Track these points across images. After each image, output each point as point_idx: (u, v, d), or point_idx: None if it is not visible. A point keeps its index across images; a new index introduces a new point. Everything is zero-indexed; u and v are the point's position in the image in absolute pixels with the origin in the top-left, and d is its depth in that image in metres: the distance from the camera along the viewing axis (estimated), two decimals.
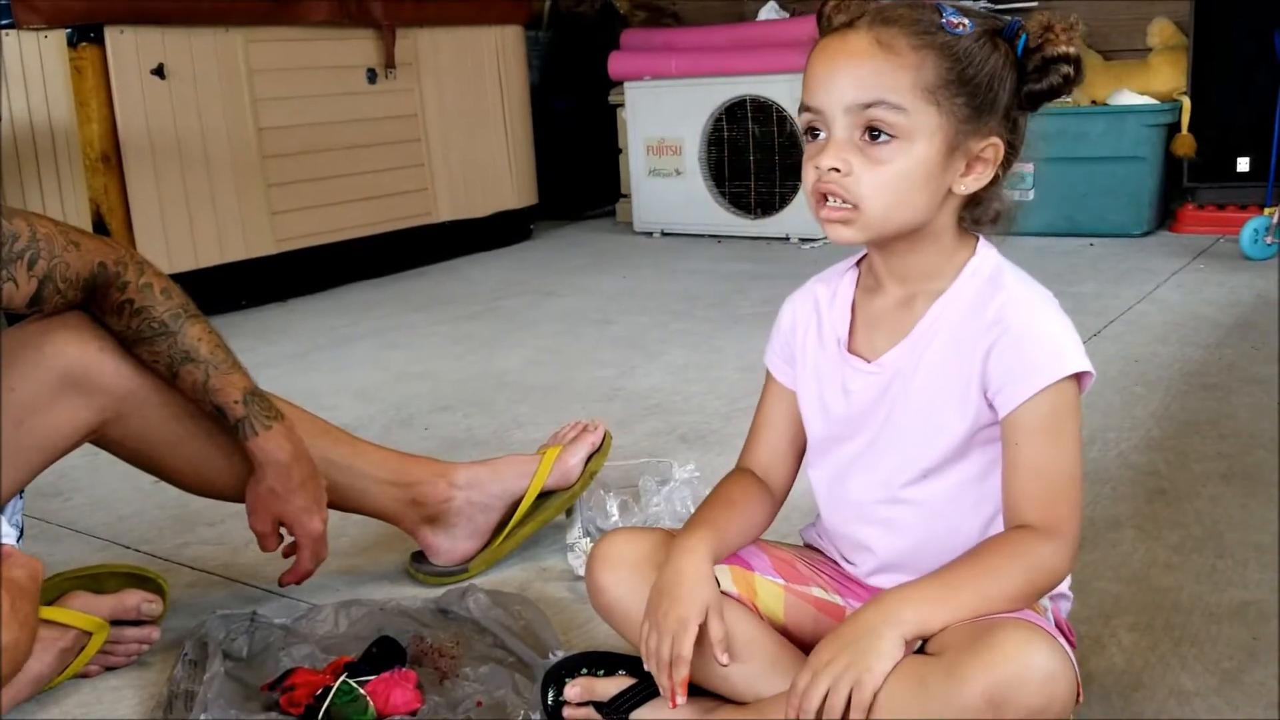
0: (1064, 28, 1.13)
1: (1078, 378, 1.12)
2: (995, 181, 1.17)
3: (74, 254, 1.42)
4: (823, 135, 1.13)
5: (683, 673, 1.16)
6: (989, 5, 4.48)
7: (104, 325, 1.48)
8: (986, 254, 1.18)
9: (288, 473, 1.52)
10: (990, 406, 1.14)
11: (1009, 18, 1.16)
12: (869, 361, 1.21)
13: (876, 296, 1.22)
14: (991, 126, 1.13)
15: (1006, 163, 1.16)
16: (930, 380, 1.17)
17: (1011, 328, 1.12)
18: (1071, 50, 1.12)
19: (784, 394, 1.31)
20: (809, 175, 1.14)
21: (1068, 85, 1.13)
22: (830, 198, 1.13)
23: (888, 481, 1.21)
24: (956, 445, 1.17)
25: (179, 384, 1.48)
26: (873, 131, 1.10)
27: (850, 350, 1.23)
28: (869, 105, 1.10)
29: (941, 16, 1.12)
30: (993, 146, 1.14)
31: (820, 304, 1.27)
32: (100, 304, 1.47)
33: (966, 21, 1.12)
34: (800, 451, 1.33)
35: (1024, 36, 1.13)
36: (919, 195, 1.13)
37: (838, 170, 1.11)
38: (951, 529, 1.19)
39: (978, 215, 1.19)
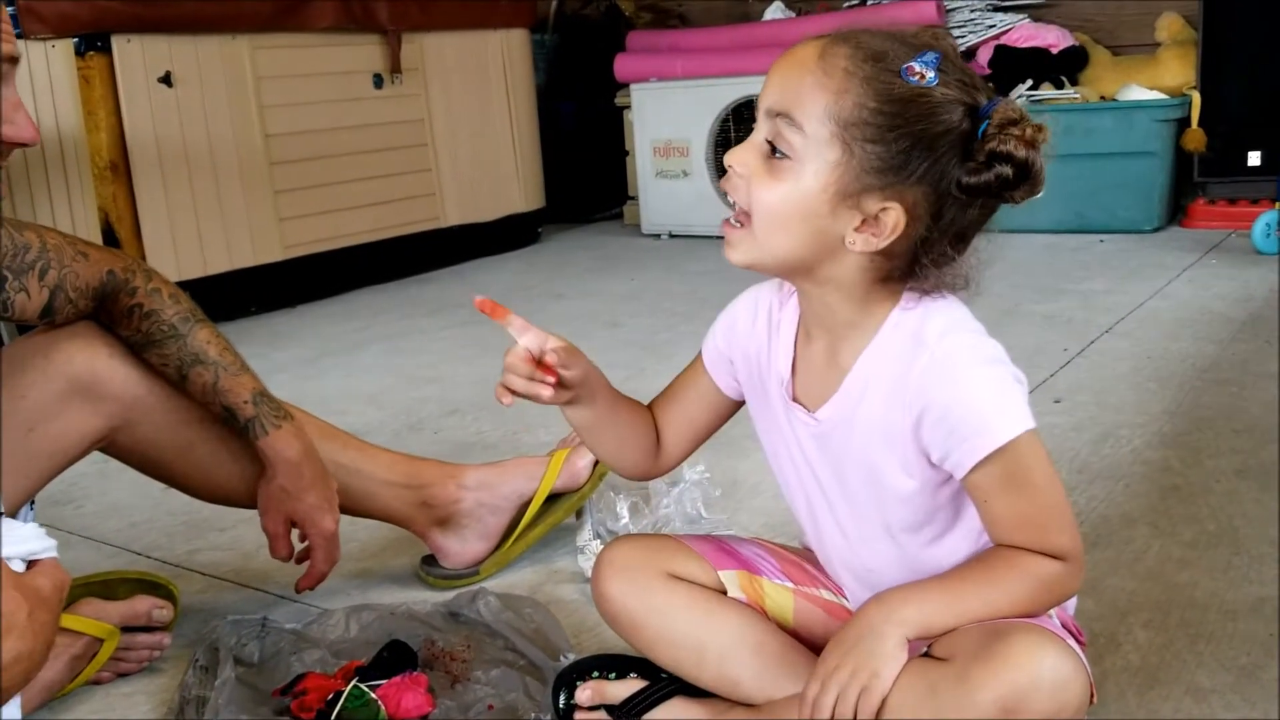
0: (1031, 127, 1.02)
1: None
2: (930, 250, 1.06)
3: (83, 264, 1.43)
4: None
5: None
6: (995, 1, 4.47)
7: (113, 333, 1.48)
8: (910, 306, 1.09)
9: (299, 471, 1.52)
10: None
11: (993, 97, 1.06)
12: (810, 411, 1.16)
13: (810, 342, 1.17)
14: (898, 191, 1.03)
15: (929, 239, 1.06)
16: (869, 439, 1.11)
17: (935, 402, 1.05)
18: (1020, 154, 1.01)
19: (705, 383, 1.27)
20: (725, 161, 1.11)
21: (1002, 188, 1.02)
22: (732, 205, 1.09)
23: (861, 537, 1.18)
24: (917, 506, 1.13)
25: (188, 387, 1.48)
26: (771, 144, 1.06)
27: (794, 397, 1.18)
28: (777, 114, 1.05)
29: (912, 58, 1.03)
30: (893, 212, 1.04)
31: (770, 328, 1.21)
32: (110, 311, 1.47)
33: (930, 75, 1.02)
34: (698, 439, 1.30)
35: (987, 122, 1.03)
36: (796, 228, 1.06)
37: (735, 169, 1.08)
38: (936, 569, 1.15)
39: (914, 285, 1.09)
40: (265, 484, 1.53)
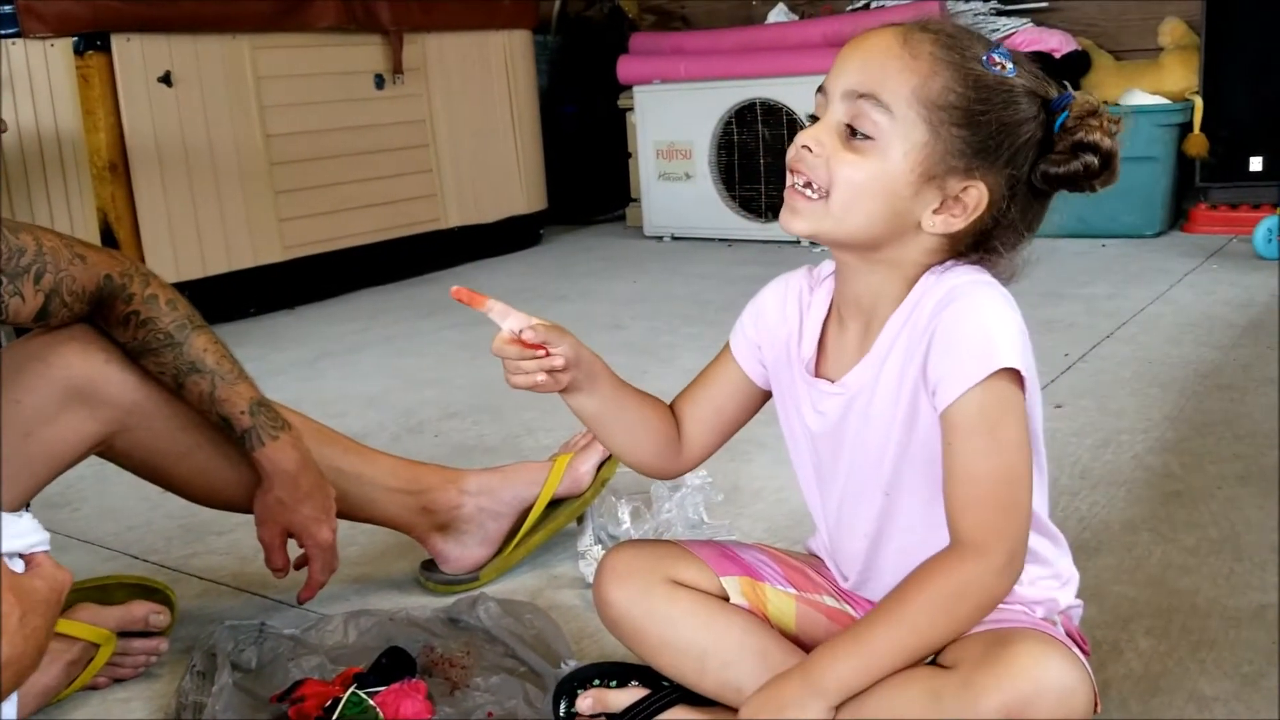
0: (1109, 119, 1.08)
1: (1019, 381, 1.05)
2: (1000, 236, 1.10)
3: (80, 267, 1.42)
4: (826, 112, 1.10)
5: None
6: (998, 5, 4.47)
7: (110, 337, 1.48)
8: (940, 271, 1.11)
9: (295, 482, 1.51)
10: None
11: (1063, 91, 1.10)
12: (833, 382, 1.17)
13: (842, 328, 1.18)
14: (982, 174, 1.06)
15: (997, 228, 1.09)
16: (889, 398, 1.12)
17: (943, 325, 1.06)
18: (1105, 143, 1.06)
19: (732, 365, 1.27)
20: (789, 152, 1.11)
21: (1088, 177, 1.08)
22: (797, 176, 1.09)
23: (870, 500, 1.18)
24: (916, 459, 1.12)
25: (185, 395, 1.48)
26: (853, 128, 1.07)
27: (818, 373, 1.19)
28: (861, 95, 1.06)
29: (988, 50, 1.07)
30: (975, 190, 1.07)
31: (801, 311, 1.22)
32: (106, 316, 1.46)
33: (1009, 66, 1.07)
34: (724, 425, 1.29)
35: (1065, 114, 1.07)
36: (876, 207, 1.07)
37: (809, 149, 1.08)
38: (938, 542, 1.13)
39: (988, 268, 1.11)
40: (261, 494, 1.52)
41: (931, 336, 1.07)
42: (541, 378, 1.18)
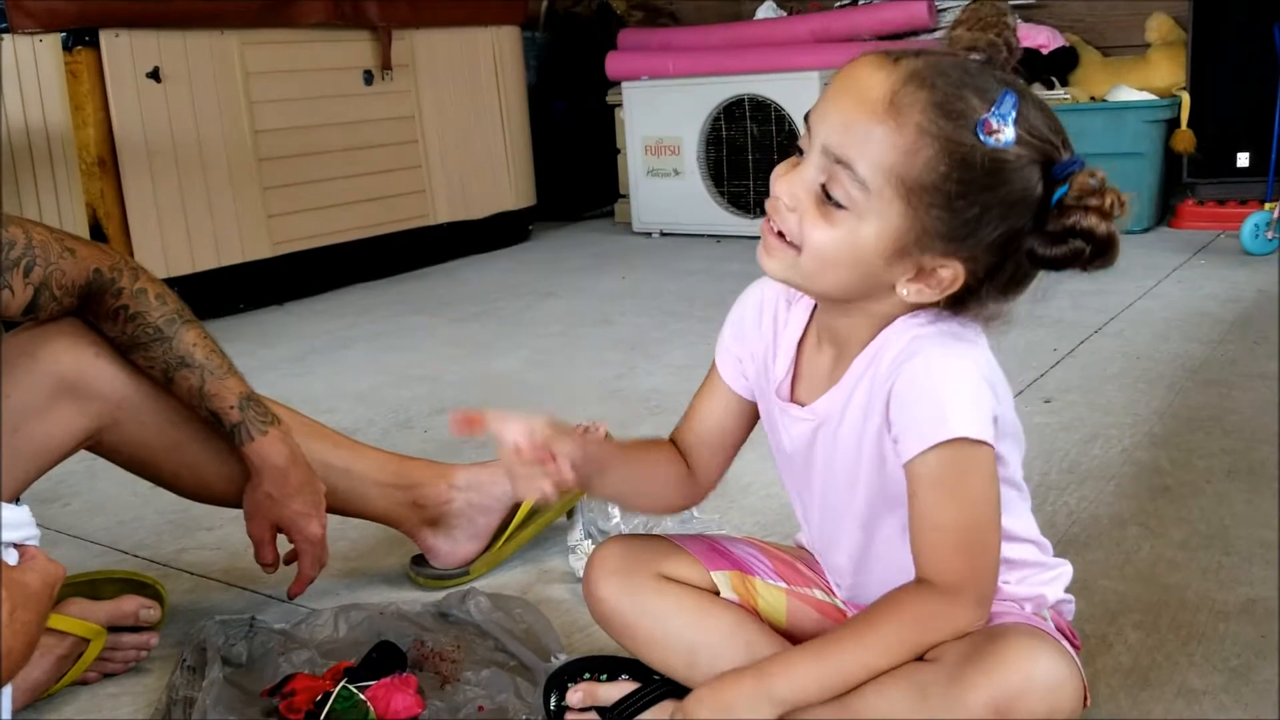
0: (1111, 197, 0.98)
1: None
2: (981, 298, 1.04)
3: (69, 261, 1.41)
4: (803, 156, 1.03)
5: None
6: None
7: (99, 332, 1.47)
8: (909, 319, 1.07)
9: (284, 477, 1.51)
10: None
11: (1071, 155, 1.00)
12: (804, 406, 1.16)
13: (819, 351, 1.16)
14: (960, 253, 1.00)
15: (985, 292, 1.03)
16: (855, 430, 1.10)
17: (900, 382, 1.03)
18: (1101, 229, 0.97)
19: (722, 387, 1.25)
20: (772, 187, 1.05)
21: (1076, 262, 0.99)
22: (772, 222, 1.05)
23: (849, 530, 1.18)
24: (888, 497, 1.11)
25: (174, 389, 1.47)
26: (827, 191, 1.00)
27: (793, 392, 1.18)
28: (837, 160, 0.99)
29: (988, 112, 0.96)
30: (951, 270, 1.01)
31: (776, 328, 1.20)
32: (95, 310, 1.46)
33: (1008, 133, 0.96)
34: (729, 445, 1.27)
35: (1065, 189, 0.98)
36: (845, 273, 1.03)
37: (786, 204, 1.03)
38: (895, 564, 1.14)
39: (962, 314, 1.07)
40: (250, 490, 1.52)
41: (891, 388, 1.04)
42: (549, 488, 1.12)
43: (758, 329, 1.21)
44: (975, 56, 1.02)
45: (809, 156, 1.02)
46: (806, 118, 1.04)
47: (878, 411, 1.07)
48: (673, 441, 1.29)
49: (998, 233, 0.99)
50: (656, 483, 1.27)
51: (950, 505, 1.03)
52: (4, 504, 1.00)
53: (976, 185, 0.97)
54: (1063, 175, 0.98)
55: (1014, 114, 0.97)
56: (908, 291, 1.03)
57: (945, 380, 1.02)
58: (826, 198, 1.00)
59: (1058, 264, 1.00)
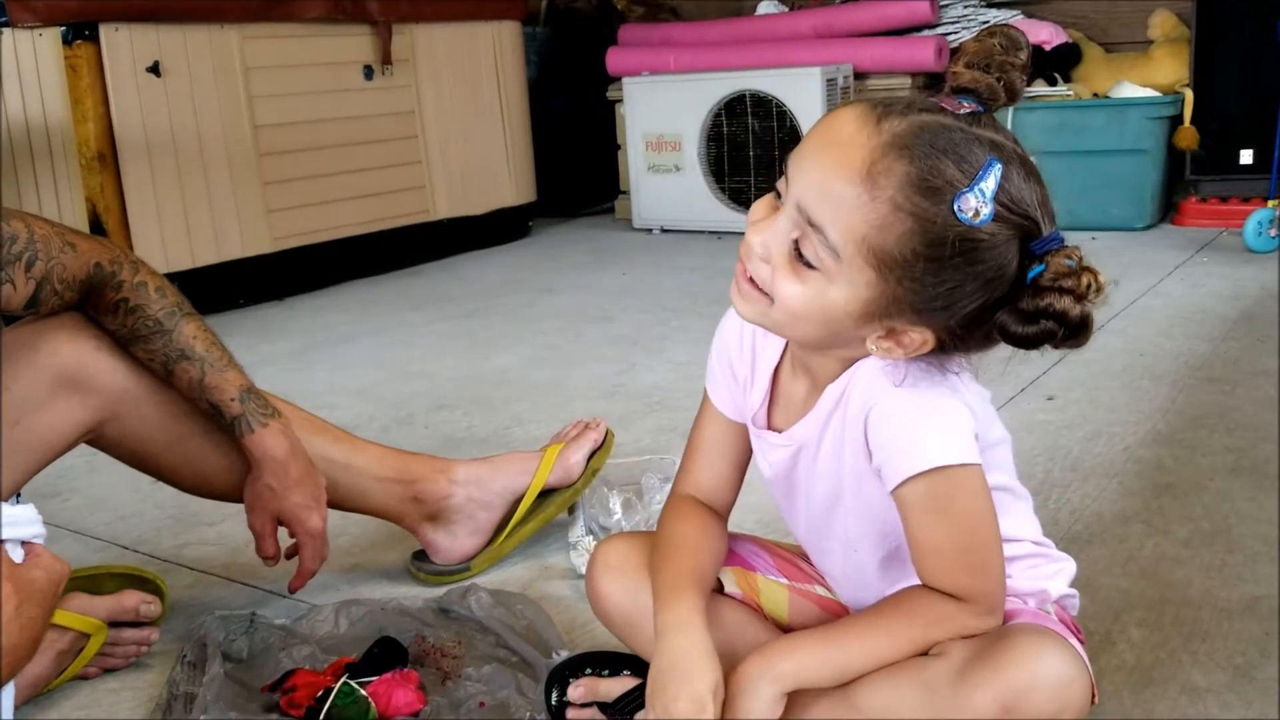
0: (1088, 278, 0.96)
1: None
2: (952, 354, 1.04)
3: (70, 255, 1.41)
4: (781, 200, 1.02)
5: None
6: (987, 0, 4.46)
7: (99, 325, 1.47)
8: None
9: (285, 469, 1.50)
10: None
11: (1052, 230, 0.98)
12: (780, 432, 1.16)
13: (795, 379, 1.16)
14: (931, 322, 0.99)
15: (955, 349, 1.03)
16: (832, 454, 1.11)
17: (873, 419, 1.04)
18: (1074, 313, 0.95)
19: (721, 419, 1.25)
20: (747, 231, 1.03)
21: (1048, 341, 0.97)
22: (745, 267, 1.04)
23: (834, 553, 1.19)
24: (871, 519, 1.12)
25: (174, 382, 1.47)
26: (799, 248, 0.99)
27: (769, 424, 1.18)
28: (810, 222, 0.98)
29: (967, 187, 0.94)
30: (919, 335, 1.01)
31: (754, 355, 1.19)
32: (96, 304, 1.45)
33: (986, 210, 0.94)
34: (742, 469, 1.27)
35: (1041, 267, 0.96)
36: (814, 329, 1.03)
37: (758, 254, 1.02)
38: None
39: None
40: (251, 482, 1.52)
41: (865, 420, 1.05)
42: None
43: (740, 354, 1.21)
44: (966, 108, 0.98)
45: (785, 206, 1.01)
46: (786, 161, 1.02)
47: (852, 438, 1.07)
48: (688, 496, 1.27)
49: (972, 306, 0.98)
50: (720, 555, 1.25)
51: (942, 527, 1.04)
52: (11, 502, 1.00)
53: (950, 262, 0.95)
54: (1040, 253, 0.97)
55: (995, 189, 0.95)
56: (876, 349, 1.03)
57: (914, 411, 1.03)
58: (798, 254, 0.99)
59: (1028, 343, 0.98)
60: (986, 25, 4.36)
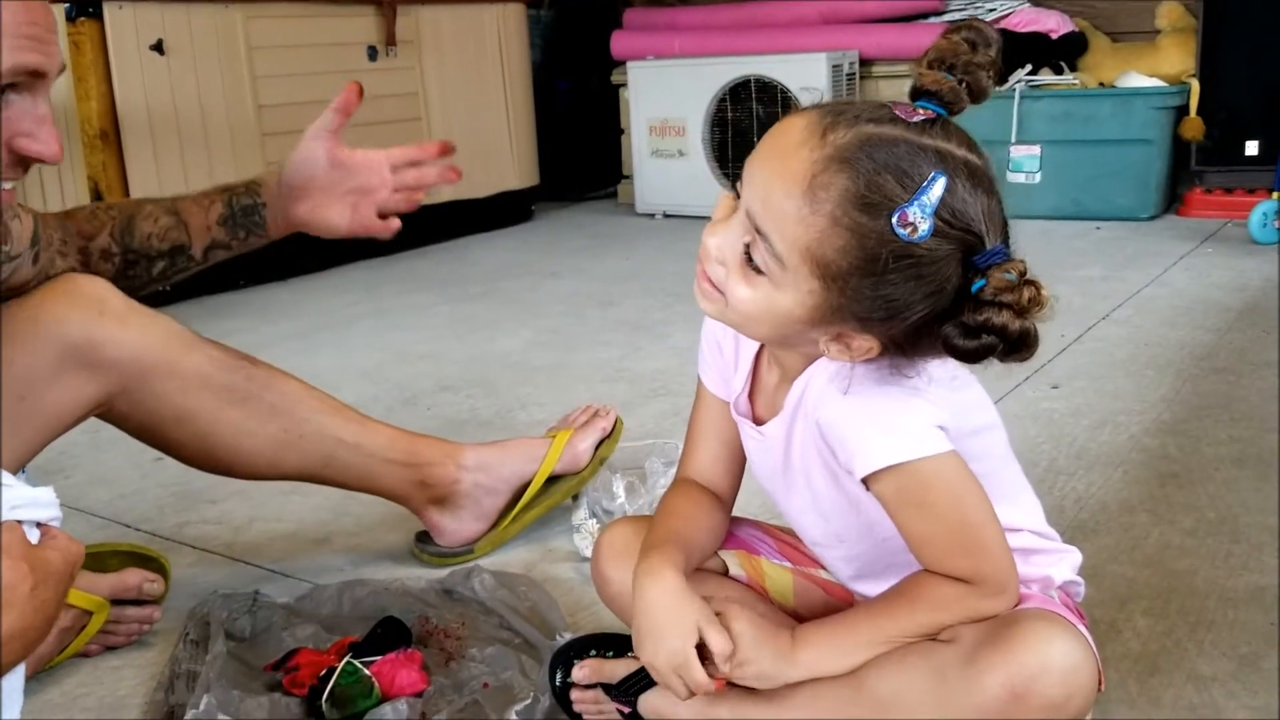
0: (1030, 291, 0.94)
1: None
2: (906, 356, 1.02)
3: (60, 229, 1.43)
4: (740, 202, 1.01)
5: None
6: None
7: (108, 288, 1.46)
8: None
9: (311, 174, 1.78)
10: None
11: (997, 244, 0.96)
12: (760, 424, 1.16)
13: (770, 368, 1.16)
14: (876, 331, 0.99)
15: (908, 353, 1.01)
16: (802, 458, 1.12)
17: (824, 420, 1.05)
18: (1013, 328, 0.93)
19: (715, 403, 1.24)
20: (705, 232, 1.03)
21: (990, 355, 0.95)
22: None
23: (826, 545, 1.20)
24: (846, 513, 1.13)
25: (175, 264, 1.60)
26: (749, 256, 0.99)
27: (752, 414, 1.18)
28: (758, 229, 0.98)
29: (907, 202, 0.93)
30: (866, 341, 1.00)
31: (736, 344, 1.20)
32: (91, 246, 1.52)
33: (924, 226, 0.93)
34: (740, 451, 1.25)
35: (983, 281, 0.94)
36: (767, 329, 1.03)
37: (713, 256, 1.02)
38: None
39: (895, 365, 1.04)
40: (309, 210, 1.85)
41: (818, 423, 1.06)
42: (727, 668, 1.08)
43: (725, 336, 1.21)
44: (920, 114, 0.97)
45: (739, 212, 1.01)
46: (744, 165, 1.02)
47: (816, 438, 1.08)
48: (688, 479, 1.28)
49: (915, 318, 0.97)
50: (713, 527, 1.25)
51: (926, 519, 1.04)
52: (24, 480, 0.99)
53: (887, 276, 0.95)
54: (982, 266, 0.95)
55: (935, 204, 0.93)
56: (828, 350, 1.03)
57: (859, 414, 1.03)
58: (749, 259, 1.00)
59: (971, 356, 0.96)
60: (992, 11, 4.35)
